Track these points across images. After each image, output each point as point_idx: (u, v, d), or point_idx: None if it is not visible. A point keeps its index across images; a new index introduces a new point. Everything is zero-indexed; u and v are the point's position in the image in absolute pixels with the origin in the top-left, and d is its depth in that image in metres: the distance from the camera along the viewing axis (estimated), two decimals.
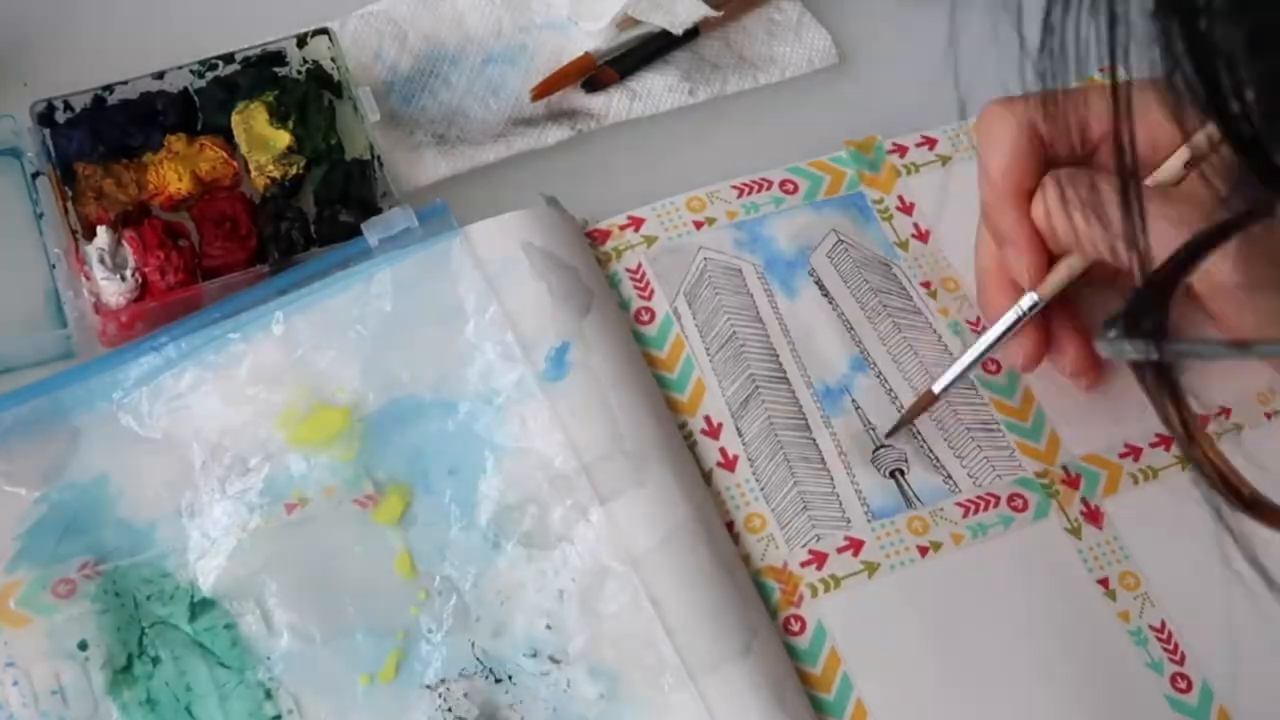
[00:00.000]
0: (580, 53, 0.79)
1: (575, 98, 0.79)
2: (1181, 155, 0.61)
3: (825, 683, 0.62)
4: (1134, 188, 0.34)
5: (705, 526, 0.64)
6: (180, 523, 0.64)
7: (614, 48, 0.79)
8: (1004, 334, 0.66)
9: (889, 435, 0.68)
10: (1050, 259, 0.66)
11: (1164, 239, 0.36)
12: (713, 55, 0.81)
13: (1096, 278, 0.66)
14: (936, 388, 0.67)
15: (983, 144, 0.67)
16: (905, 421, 0.68)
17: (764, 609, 0.63)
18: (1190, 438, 0.38)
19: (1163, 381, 0.37)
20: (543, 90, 0.78)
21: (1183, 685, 0.64)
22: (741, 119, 0.80)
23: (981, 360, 0.67)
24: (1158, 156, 0.62)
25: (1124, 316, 0.36)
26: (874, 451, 0.68)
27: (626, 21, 0.80)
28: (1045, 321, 0.67)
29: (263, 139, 0.73)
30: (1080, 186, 0.61)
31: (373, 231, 0.70)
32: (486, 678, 0.61)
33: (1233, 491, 0.39)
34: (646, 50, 0.80)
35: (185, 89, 0.75)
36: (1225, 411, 0.69)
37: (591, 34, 0.80)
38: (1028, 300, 0.65)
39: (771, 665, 0.61)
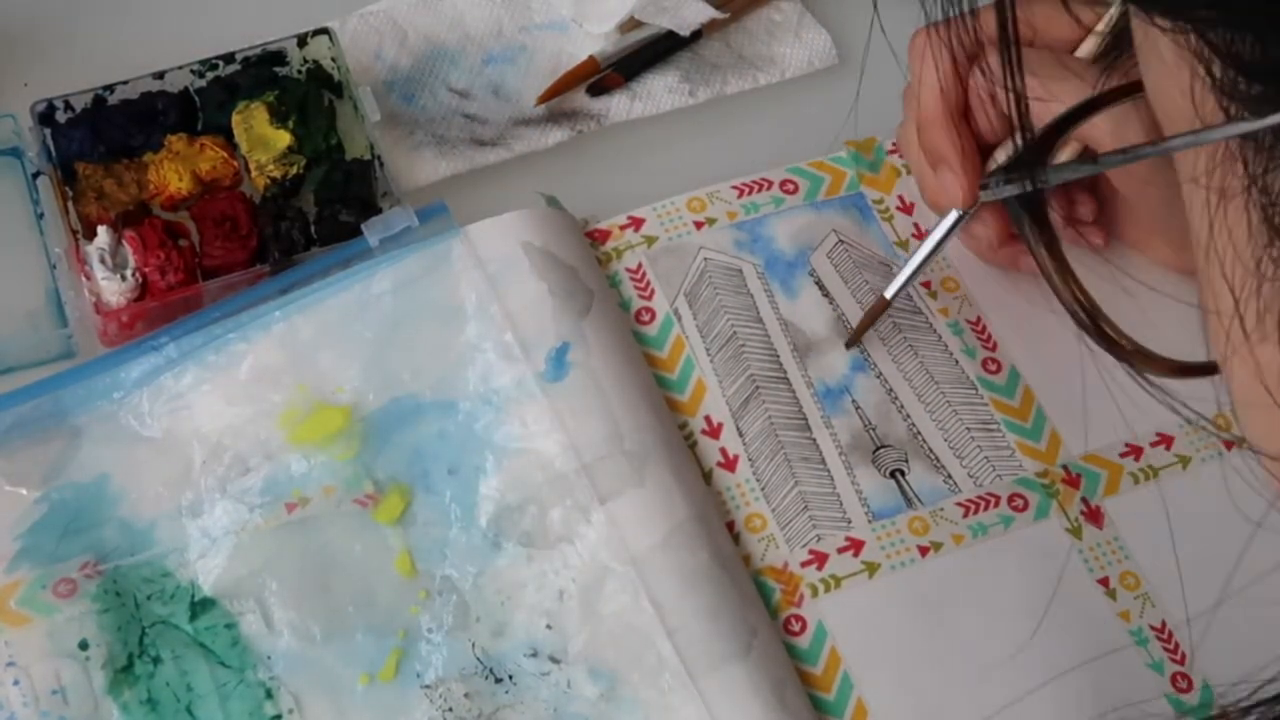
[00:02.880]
0: (583, 54, 0.79)
1: (577, 99, 0.79)
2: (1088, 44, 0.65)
3: (825, 683, 0.62)
4: (1013, 51, 0.37)
5: (705, 526, 0.64)
6: (181, 522, 0.64)
7: (617, 49, 0.79)
8: (946, 235, 0.68)
9: (848, 346, 0.70)
10: (981, 173, 0.68)
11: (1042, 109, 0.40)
12: (713, 56, 0.81)
13: None
14: (888, 293, 0.69)
15: (912, 70, 0.69)
16: (860, 332, 0.70)
17: (764, 609, 0.63)
18: (1064, 278, 0.41)
19: (1038, 224, 0.40)
20: (548, 95, 0.78)
21: (1183, 685, 0.64)
22: (741, 119, 0.80)
23: (929, 263, 0.69)
24: (1040, 40, 0.66)
25: (1004, 169, 0.39)
26: (874, 452, 0.68)
27: (630, 23, 0.80)
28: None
29: (263, 139, 0.73)
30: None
31: (373, 231, 0.70)
32: (486, 677, 0.61)
33: (1102, 335, 0.42)
34: (650, 53, 0.80)
35: (186, 89, 0.75)
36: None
37: (595, 36, 0.80)
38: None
39: (772, 665, 0.61)
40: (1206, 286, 0.35)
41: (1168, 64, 0.34)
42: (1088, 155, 0.63)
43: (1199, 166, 0.34)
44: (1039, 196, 0.41)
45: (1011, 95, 0.38)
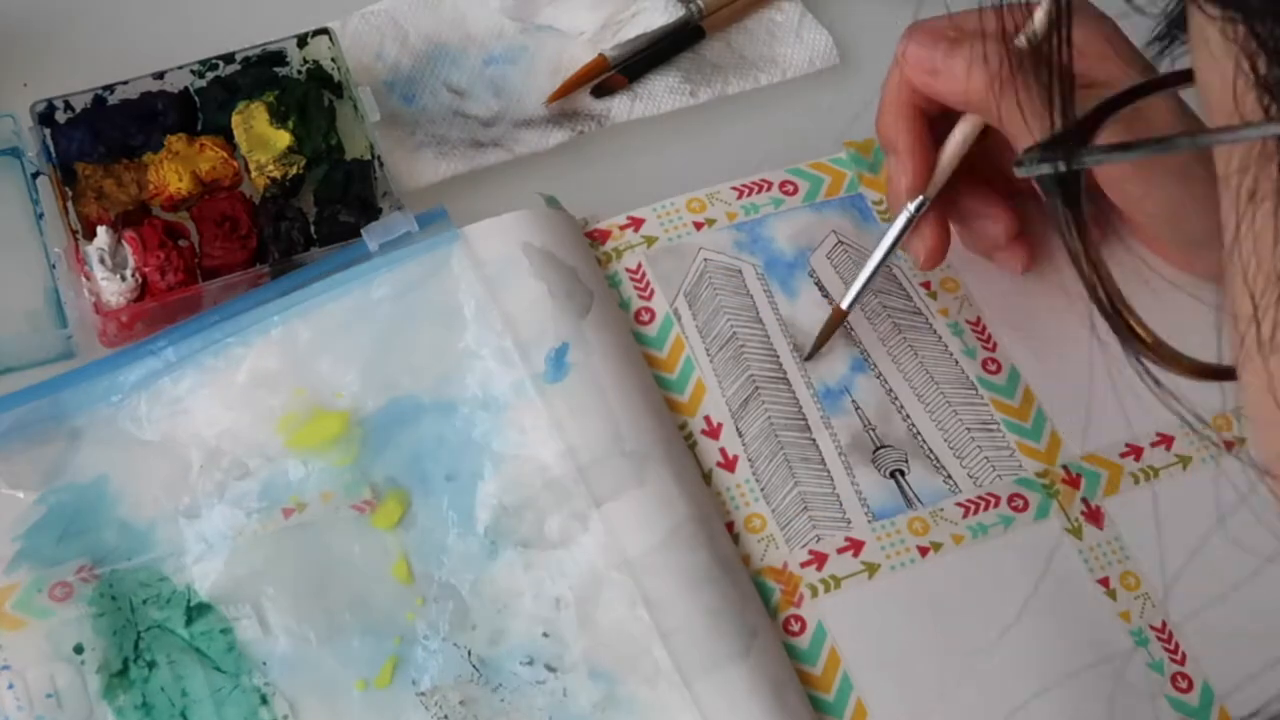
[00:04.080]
0: (584, 55, 0.79)
1: (580, 99, 0.79)
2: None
3: (825, 683, 0.62)
4: (1063, 26, 0.38)
5: (705, 527, 0.64)
6: (178, 526, 0.64)
7: (622, 50, 0.79)
8: (897, 238, 0.68)
9: (807, 359, 0.70)
10: (932, 166, 0.68)
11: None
12: (714, 56, 0.81)
13: (977, 165, 0.68)
14: (844, 304, 0.69)
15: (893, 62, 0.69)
16: (820, 343, 0.70)
17: (764, 609, 0.63)
18: (1093, 264, 0.40)
19: (1071, 210, 0.40)
20: (559, 94, 0.78)
21: (1183, 685, 0.64)
22: (742, 120, 0.80)
23: (881, 267, 0.69)
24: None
25: (1042, 146, 0.39)
26: (874, 452, 0.68)
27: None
28: (942, 215, 0.69)
29: (263, 139, 0.73)
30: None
31: (372, 236, 0.70)
32: (482, 685, 0.61)
33: (1126, 327, 0.41)
34: (656, 53, 0.80)
35: (185, 89, 0.75)
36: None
37: (588, 38, 0.80)
38: (914, 203, 0.67)
39: (772, 665, 0.61)
40: (1229, 289, 0.34)
41: (1214, 54, 0.33)
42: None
43: (1232, 164, 0.33)
44: (1075, 178, 0.40)
45: (1056, 72, 0.38)
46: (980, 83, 0.64)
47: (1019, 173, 0.39)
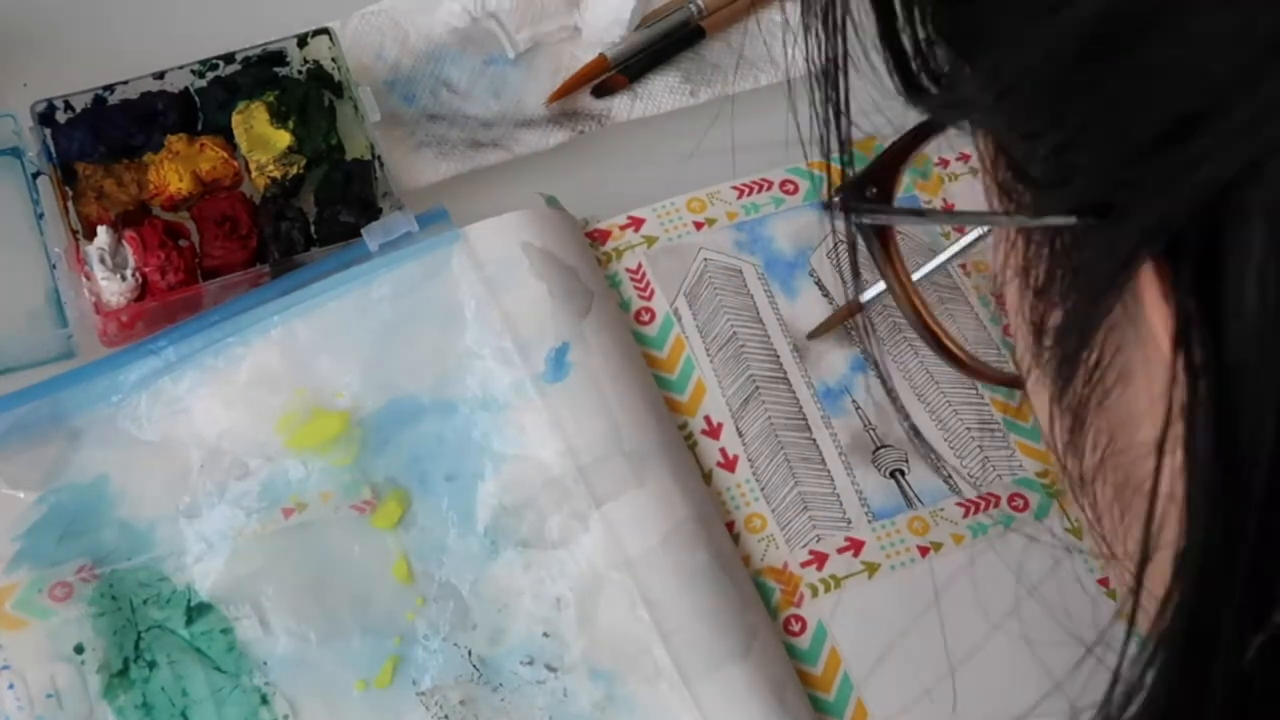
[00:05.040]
0: (584, 56, 0.80)
1: (580, 100, 0.79)
2: None
3: (825, 683, 0.62)
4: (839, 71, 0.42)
5: (705, 527, 0.64)
6: (178, 526, 0.64)
7: (627, 49, 0.79)
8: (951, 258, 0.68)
9: (810, 337, 0.71)
10: None
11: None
12: (714, 56, 0.81)
13: None
14: (865, 297, 0.69)
15: None
16: (829, 327, 0.70)
17: (764, 609, 0.63)
18: (910, 299, 0.45)
19: (884, 247, 0.44)
20: (560, 94, 0.78)
21: None
22: (742, 120, 0.79)
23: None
24: None
25: (844, 190, 0.44)
26: (874, 452, 0.68)
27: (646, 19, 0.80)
28: None
29: (263, 139, 0.73)
30: None
31: (372, 236, 0.70)
32: (482, 685, 0.61)
33: (944, 350, 0.45)
34: (656, 53, 0.80)
35: (186, 89, 0.75)
36: None
37: (607, 38, 0.80)
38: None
39: (772, 665, 0.61)
40: (1012, 320, 0.37)
41: (979, 150, 0.36)
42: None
43: (1001, 235, 0.36)
44: (885, 226, 0.45)
45: (834, 124, 0.42)
46: None
47: (826, 218, 0.43)
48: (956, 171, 0.77)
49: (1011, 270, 0.35)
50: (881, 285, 0.68)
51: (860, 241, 0.45)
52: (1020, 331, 0.36)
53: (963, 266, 0.73)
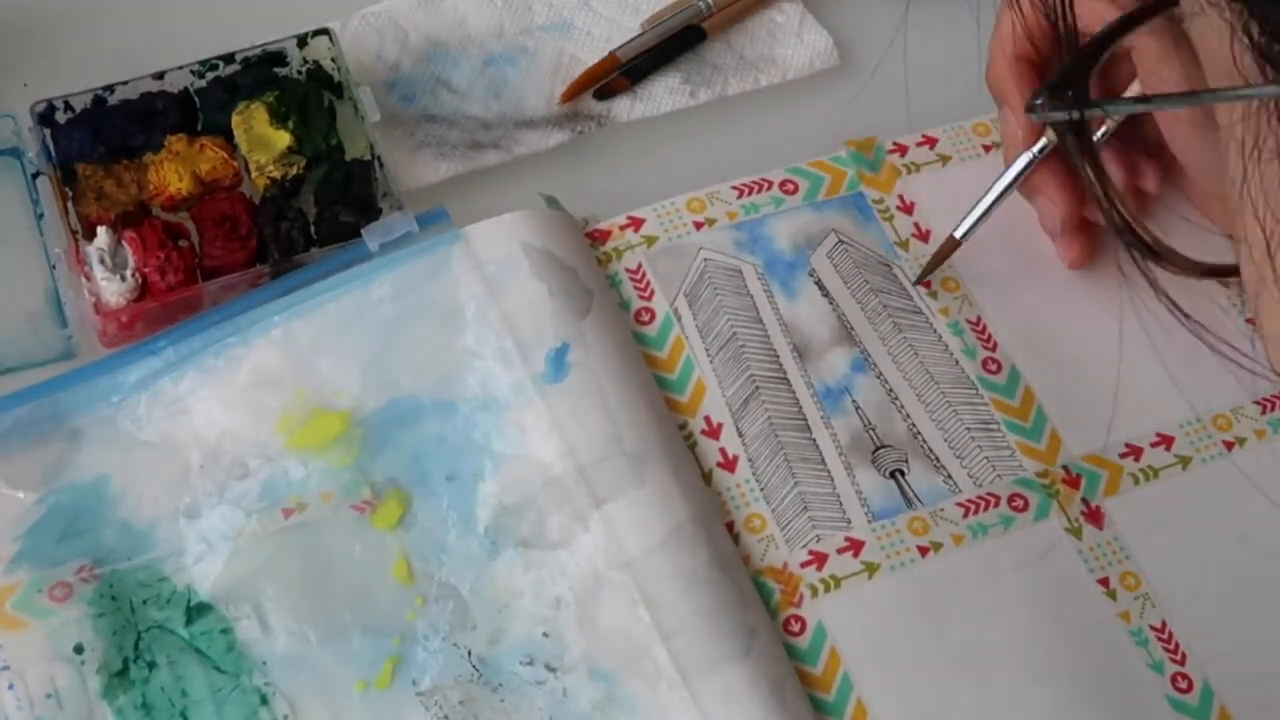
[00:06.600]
0: (585, 56, 0.80)
1: (580, 100, 0.79)
2: None
3: (825, 683, 0.62)
4: None
5: (705, 527, 0.64)
6: (178, 526, 0.64)
7: (634, 47, 0.80)
8: (1017, 177, 0.70)
9: (918, 282, 0.72)
10: None
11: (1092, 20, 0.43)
12: (714, 57, 0.81)
13: None
14: (958, 232, 0.71)
15: (1002, 11, 0.70)
16: (931, 268, 0.72)
17: (764, 609, 0.63)
18: (1107, 195, 0.44)
19: (1083, 144, 0.43)
20: (571, 93, 0.78)
21: (1183, 685, 0.64)
22: (742, 120, 0.80)
23: (1001, 201, 0.70)
24: None
25: (1050, 87, 0.43)
26: (874, 452, 0.68)
27: (654, 16, 0.80)
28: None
29: (263, 139, 0.73)
30: None
31: (373, 236, 0.70)
32: (482, 685, 0.61)
33: (1142, 243, 0.45)
34: (659, 55, 0.80)
35: (186, 89, 0.75)
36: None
37: (597, 38, 0.80)
38: (1036, 146, 0.69)
39: (771, 666, 0.61)
40: (1239, 218, 0.36)
41: (1210, 21, 0.34)
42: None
43: (1234, 116, 0.35)
44: (1083, 116, 0.44)
45: (1061, 19, 0.40)
46: None
47: (1033, 119, 0.43)
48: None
49: (1267, 153, 0.33)
50: (974, 216, 0.70)
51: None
52: (1270, 221, 0.34)
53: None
